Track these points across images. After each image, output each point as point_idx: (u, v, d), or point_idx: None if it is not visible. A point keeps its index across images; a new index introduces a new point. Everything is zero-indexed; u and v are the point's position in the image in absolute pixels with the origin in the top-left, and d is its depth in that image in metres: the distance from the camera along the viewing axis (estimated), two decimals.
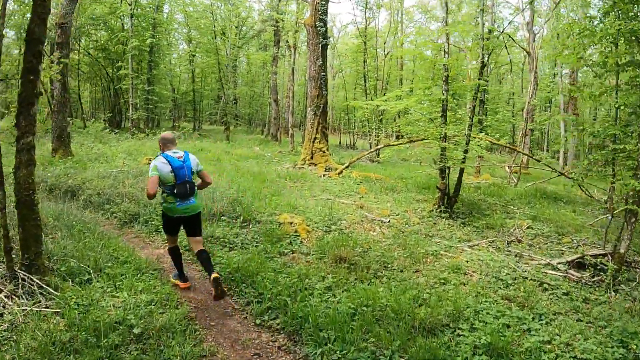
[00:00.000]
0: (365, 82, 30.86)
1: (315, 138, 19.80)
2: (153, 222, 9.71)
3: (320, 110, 19.76)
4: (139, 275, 6.92)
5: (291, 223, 9.66)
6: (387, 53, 36.75)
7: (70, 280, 6.50)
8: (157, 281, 6.81)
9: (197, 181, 6.63)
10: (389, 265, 8.20)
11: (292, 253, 8.49)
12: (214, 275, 5.96)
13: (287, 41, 35.70)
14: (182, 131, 29.86)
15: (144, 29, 33.55)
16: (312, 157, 19.65)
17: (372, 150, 19.76)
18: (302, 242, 9.09)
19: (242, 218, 9.82)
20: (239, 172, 15.56)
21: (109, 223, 10.23)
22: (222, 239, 8.75)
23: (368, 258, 8.28)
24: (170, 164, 6.09)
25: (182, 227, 6.62)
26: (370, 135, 30.24)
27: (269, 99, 41.41)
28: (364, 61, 30.68)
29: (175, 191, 6.12)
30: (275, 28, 34.91)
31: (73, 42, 34.62)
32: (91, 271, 6.76)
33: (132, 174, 13.53)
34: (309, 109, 20.07)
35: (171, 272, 7.46)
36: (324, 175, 17.41)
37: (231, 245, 8.61)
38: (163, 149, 6.39)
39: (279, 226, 9.56)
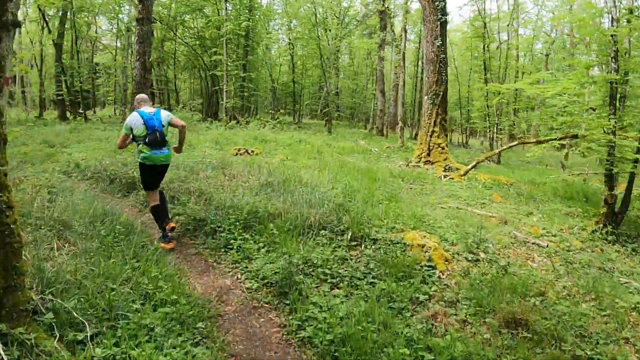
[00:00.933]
0: (485, 71, 26.97)
1: (433, 132, 16.51)
2: (223, 234, 6.81)
3: (439, 99, 16.51)
4: (176, 335, 3.99)
5: (422, 246, 6.43)
6: (505, 41, 32.52)
7: (58, 333, 3.71)
8: (207, 350, 3.86)
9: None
10: (585, 332, 5.00)
11: (429, 299, 5.30)
12: (171, 224, 6.81)
13: (392, 26, 32.33)
14: (276, 121, 27.18)
15: (240, 13, 31.26)
16: (428, 154, 16.36)
17: (505, 147, 16.13)
18: (441, 277, 5.88)
19: (350, 233, 6.68)
20: (344, 168, 12.49)
21: None
22: (320, 268, 5.68)
23: (550, 316, 5.02)
24: (142, 117, 6.58)
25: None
26: (489, 131, 26.33)
27: (373, 91, 38.29)
28: (485, 47, 26.78)
29: (146, 140, 6.58)
30: (382, 10, 31.59)
31: (168, 30, 33.27)
32: (88, 325, 3.89)
33: (212, 165, 10.86)
34: (426, 97, 16.85)
35: (236, 322, 4.73)
36: (444, 177, 14.08)
37: (334, 280, 5.52)
38: (137, 107, 6.85)
39: (404, 249, 6.37)
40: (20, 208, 6.48)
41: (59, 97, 30.59)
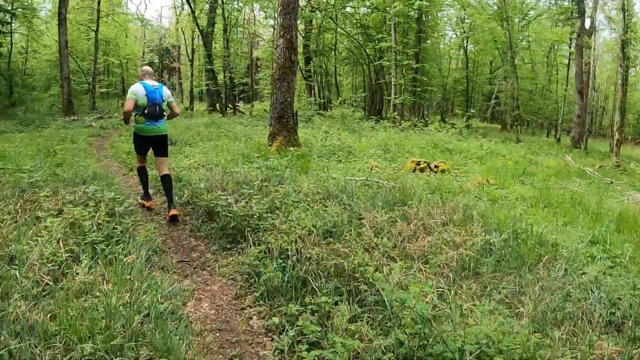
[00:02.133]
0: None
1: None
2: None
3: None
4: None
5: None
6: None
7: None
8: None
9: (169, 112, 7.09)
10: None
11: None
12: (172, 212, 6.38)
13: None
14: (465, 124, 21.80)
15: None
16: None
17: None
18: None
19: None
20: (593, 211, 7.59)
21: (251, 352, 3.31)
22: None
23: None
24: (145, 89, 6.62)
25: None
26: None
27: (562, 92, 32.01)
28: None
29: (145, 111, 6.59)
30: None
31: (327, 20, 30.45)
32: None
33: (384, 192, 6.74)
34: None
35: None
36: None
37: None
38: (142, 78, 6.87)
39: None
40: None
41: (207, 88, 28.61)
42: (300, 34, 35.47)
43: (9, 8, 25.63)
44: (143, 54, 40.68)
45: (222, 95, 28.74)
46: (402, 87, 24.58)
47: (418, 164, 10.61)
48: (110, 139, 14.82)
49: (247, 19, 38.78)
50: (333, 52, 34.12)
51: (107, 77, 34.53)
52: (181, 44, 41.80)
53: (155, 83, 6.78)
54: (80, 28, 30.66)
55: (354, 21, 32.57)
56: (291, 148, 10.65)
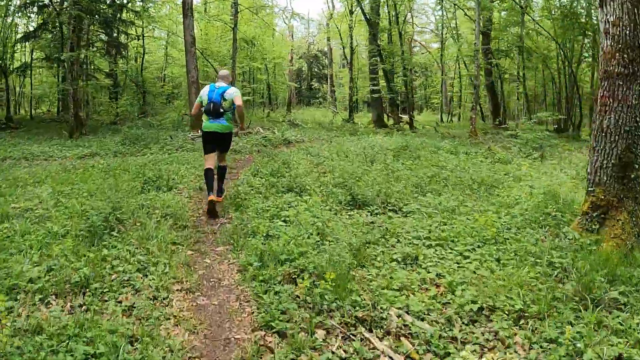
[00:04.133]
0: None
1: None
2: None
3: None
4: None
5: None
6: None
7: None
8: None
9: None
10: None
11: None
12: (218, 199, 7.09)
13: None
14: None
15: None
16: None
17: None
18: None
19: None
20: None
21: None
22: None
23: None
24: (209, 89, 7.22)
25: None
26: None
27: None
28: None
29: (204, 108, 7.17)
30: None
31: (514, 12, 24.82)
32: None
33: None
34: None
35: None
36: None
37: None
38: (216, 81, 7.41)
39: None
40: None
41: (374, 95, 22.94)
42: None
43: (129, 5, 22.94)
44: (291, 59, 36.27)
45: (397, 104, 23.06)
46: None
47: None
48: (242, 171, 9.71)
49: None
50: (519, 50, 27.02)
51: (250, 83, 30.52)
52: (332, 47, 37.26)
53: (223, 84, 7.22)
54: (216, 26, 27.37)
55: (554, 10, 25.42)
56: None
